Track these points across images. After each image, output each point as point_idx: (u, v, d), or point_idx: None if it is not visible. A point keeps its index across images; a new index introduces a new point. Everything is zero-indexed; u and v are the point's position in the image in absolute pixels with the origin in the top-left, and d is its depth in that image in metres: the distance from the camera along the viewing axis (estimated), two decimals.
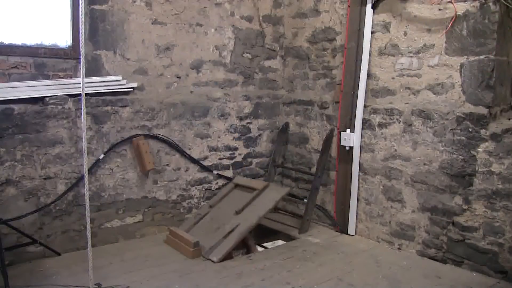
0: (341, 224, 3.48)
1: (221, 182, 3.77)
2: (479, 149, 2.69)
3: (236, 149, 3.86)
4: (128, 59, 3.22)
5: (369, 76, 3.29)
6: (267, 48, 4.01)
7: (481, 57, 2.66)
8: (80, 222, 3.03)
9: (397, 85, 3.13)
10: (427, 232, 2.98)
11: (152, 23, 3.31)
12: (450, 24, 2.78)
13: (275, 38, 4.04)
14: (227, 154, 3.79)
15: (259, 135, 4.01)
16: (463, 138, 2.76)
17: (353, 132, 3.34)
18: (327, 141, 3.53)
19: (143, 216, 3.37)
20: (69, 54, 2.99)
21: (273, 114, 4.09)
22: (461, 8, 2.72)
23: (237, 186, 3.55)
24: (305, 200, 3.64)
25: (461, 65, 2.76)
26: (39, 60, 2.89)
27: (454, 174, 2.80)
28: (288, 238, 3.50)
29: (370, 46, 3.26)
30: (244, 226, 2.93)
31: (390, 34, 3.15)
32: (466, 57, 2.73)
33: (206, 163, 3.66)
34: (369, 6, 3.23)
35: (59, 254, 2.94)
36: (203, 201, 3.66)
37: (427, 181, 2.96)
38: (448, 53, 2.82)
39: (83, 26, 2.22)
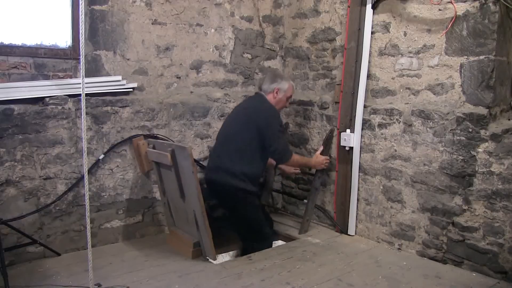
0: (341, 225, 3.49)
1: None
2: (479, 150, 2.69)
3: None
4: (128, 59, 3.23)
5: (369, 76, 3.29)
6: (267, 48, 4.01)
7: (481, 57, 2.66)
8: (80, 222, 3.03)
9: (397, 86, 3.13)
10: (427, 233, 2.98)
11: (152, 24, 3.31)
12: (450, 25, 2.78)
13: (275, 38, 4.05)
14: None
15: None
16: (463, 138, 2.76)
17: (353, 132, 3.34)
18: (327, 141, 3.53)
19: (143, 216, 3.37)
20: (69, 54, 3.00)
21: None
22: (461, 8, 2.73)
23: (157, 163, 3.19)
24: (305, 200, 3.64)
25: (461, 66, 2.76)
26: (39, 60, 2.90)
27: (454, 175, 2.80)
28: (288, 238, 3.50)
29: (370, 46, 3.26)
30: (198, 212, 2.81)
31: (390, 34, 3.15)
32: (466, 57, 2.73)
33: (206, 163, 3.66)
34: (369, 6, 3.23)
35: (59, 255, 2.94)
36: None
37: (427, 181, 2.96)
38: (448, 53, 2.82)
39: (83, 26, 2.22)
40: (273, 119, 3.13)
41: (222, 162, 3.11)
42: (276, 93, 3.23)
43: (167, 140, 3.33)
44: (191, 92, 3.58)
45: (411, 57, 3.02)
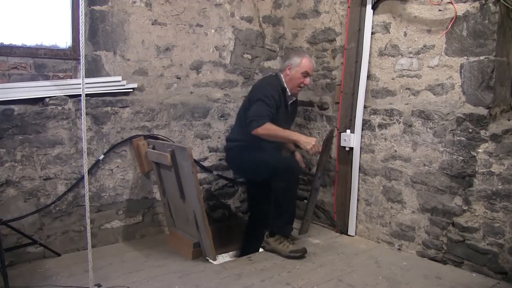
0: (341, 225, 3.49)
1: (221, 182, 3.77)
2: (479, 150, 2.69)
3: None
4: (128, 59, 3.23)
5: (369, 76, 3.29)
6: (267, 48, 4.01)
7: (481, 57, 2.67)
8: (80, 222, 3.03)
9: (397, 86, 3.13)
10: (427, 233, 2.98)
11: (152, 24, 3.31)
12: (450, 25, 2.78)
13: (275, 38, 4.05)
14: None
15: None
16: (463, 138, 2.76)
17: (353, 132, 3.34)
18: (327, 142, 3.53)
19: (143, 216, 3.37)
20: (69, 54, 3.00)
21: None
22: (461, 8, 2.73)
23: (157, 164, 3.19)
24: (305, 201, 3.64)
25: (461, 66, 2.76)
26: (39, 60, 2.90)
27: (454, 175, 2.80)
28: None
29: (370, 46, 3.26)
30: (198, 212, 2.83)
31: (390, 34, 3.15)
32: (466, 57, 2.73)
33: (206, 163, 3.66)
34: (369, 7, 3.23)
35: (59, 255, 2.94)
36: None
37: (427, 181, 2.96)
38: (448, 53, 2.82)
39: (83, 26, 2.22)
40: (260, 88, 3.15)
41: (229, 136, 3.45)
42: (289, 69, 3.18)
43: (167, 141, 3.33)
44: (191, 92, 3.58)
45: (411, 57, 3.02)
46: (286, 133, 3.07)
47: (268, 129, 2.94)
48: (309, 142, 2.96)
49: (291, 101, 3.28)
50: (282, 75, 3.22)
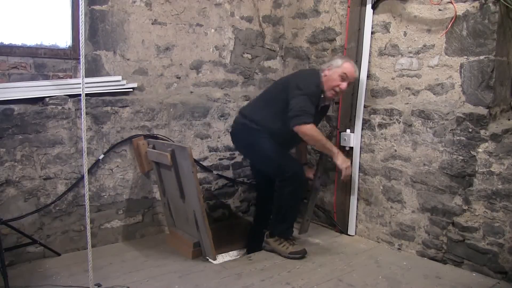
0: (341, 225, 3.49)
1: (221, 182, 3.78)
2: (479, 150, 2.69)
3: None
4: (128, 59, 3.23)
5: (369, 76, 3.29)
6: (267, 48, 4.01)
7: (481, 57, 2.67)
8: (80, 222, 3.03)
9: (397, 86, 3.13)
10: (427, 233, 2.98)
11: (152, 24, 3.31)
12: (450, 25, 2.78)
13: (275, 38, 4.05)
14: (227, 154, 3.79)
15: None
16: (463, 138, 2.76)
17: (353, 132, 3.34)
18: None
19: (143, 216, 3.37)
20: (69, 54, 3.00)
21: None
22: (461, 8, 2.73)
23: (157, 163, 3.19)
24: (305, 200, 3.64)
25: (461, 66, 2.76)
26: (39, 60, 2.90)
27: (454, 175, 2.80)
28: None
29: (370, 46, 3.26)
30: (198, 212, 2.82)
31: (390, 34, 3.15)
32: (466, 57, 2.73)
33: (206, 163, 3.67)
34: (369, 7, 3.23)
35: (59, 255, 2.94)
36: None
37: (427, 181, 2.96)
38: (448, 53, 2.82)
39: (83, 26, 2.22)
40: (306, 82, 2.94)
41: (245, 109, 3.20)
42: (328, 69, 3.00)
43: (167, 140, 3.33)
44: (191, 92, 3.59)
45: (411, 57, 3.02)
46: (329, 144, 2.98)
47: (314, 130, 2.85)
48: (346, 162, 3.00)
49: (323, 104, 3.13)
50: (321, 74, 3.04)
